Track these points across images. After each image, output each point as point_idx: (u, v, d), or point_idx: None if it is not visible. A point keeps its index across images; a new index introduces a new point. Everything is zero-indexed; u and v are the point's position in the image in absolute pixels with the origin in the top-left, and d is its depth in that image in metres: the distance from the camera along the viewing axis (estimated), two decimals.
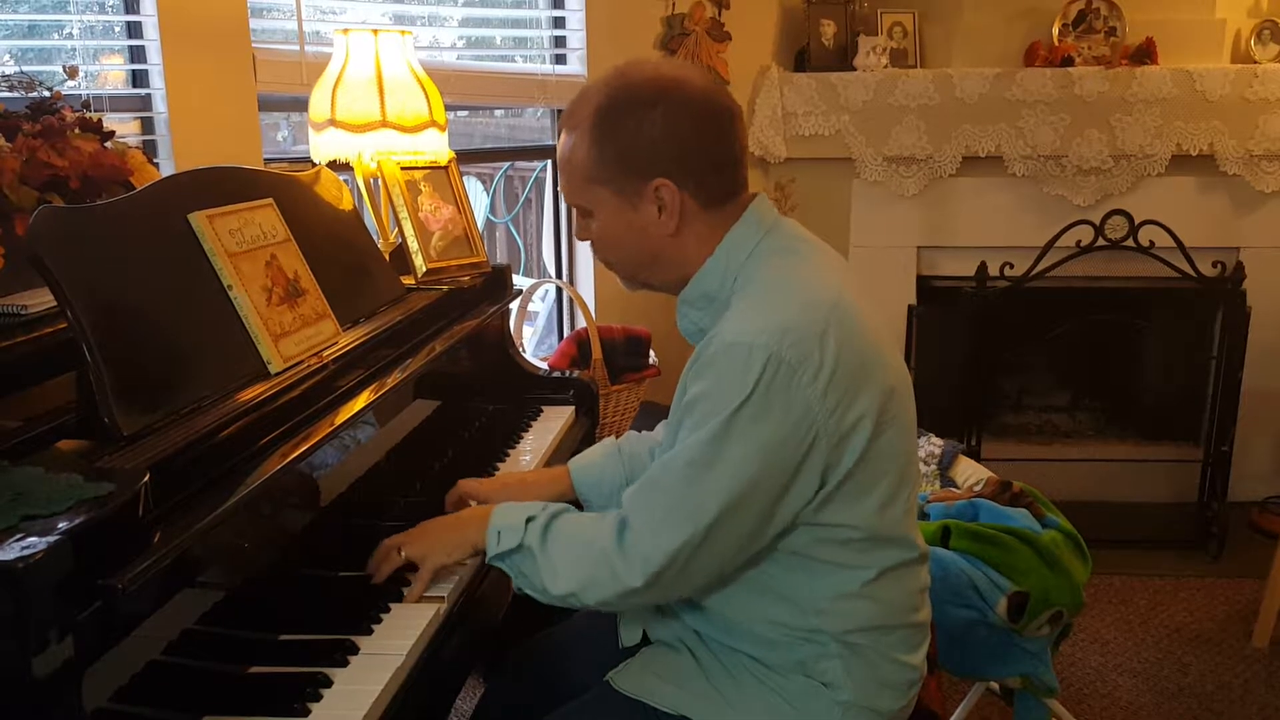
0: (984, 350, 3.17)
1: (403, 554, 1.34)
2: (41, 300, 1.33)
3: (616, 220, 1.29)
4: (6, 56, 2.12)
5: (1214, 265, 3.12)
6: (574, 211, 1.35)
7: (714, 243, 1.28)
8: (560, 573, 1.24)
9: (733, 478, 1.16)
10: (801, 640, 1.26)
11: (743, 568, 1.25)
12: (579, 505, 1.55)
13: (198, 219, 1.35)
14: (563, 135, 1.30)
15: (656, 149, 1.24)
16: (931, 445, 2.48)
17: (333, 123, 2.04)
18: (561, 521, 1.29)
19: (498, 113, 3.53)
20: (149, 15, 2.14)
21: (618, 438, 1.63)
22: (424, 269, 2.02)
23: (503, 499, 1.52)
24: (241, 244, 1.40)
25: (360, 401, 1.47)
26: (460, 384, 1.95)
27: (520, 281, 2.89)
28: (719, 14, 3.41)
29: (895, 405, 1.24)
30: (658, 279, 1.34)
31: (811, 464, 1.18)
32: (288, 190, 1.61)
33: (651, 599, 1.26)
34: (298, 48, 2.43)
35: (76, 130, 1.53)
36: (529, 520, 1.29)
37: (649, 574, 1.19)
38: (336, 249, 1.69)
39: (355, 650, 1.20)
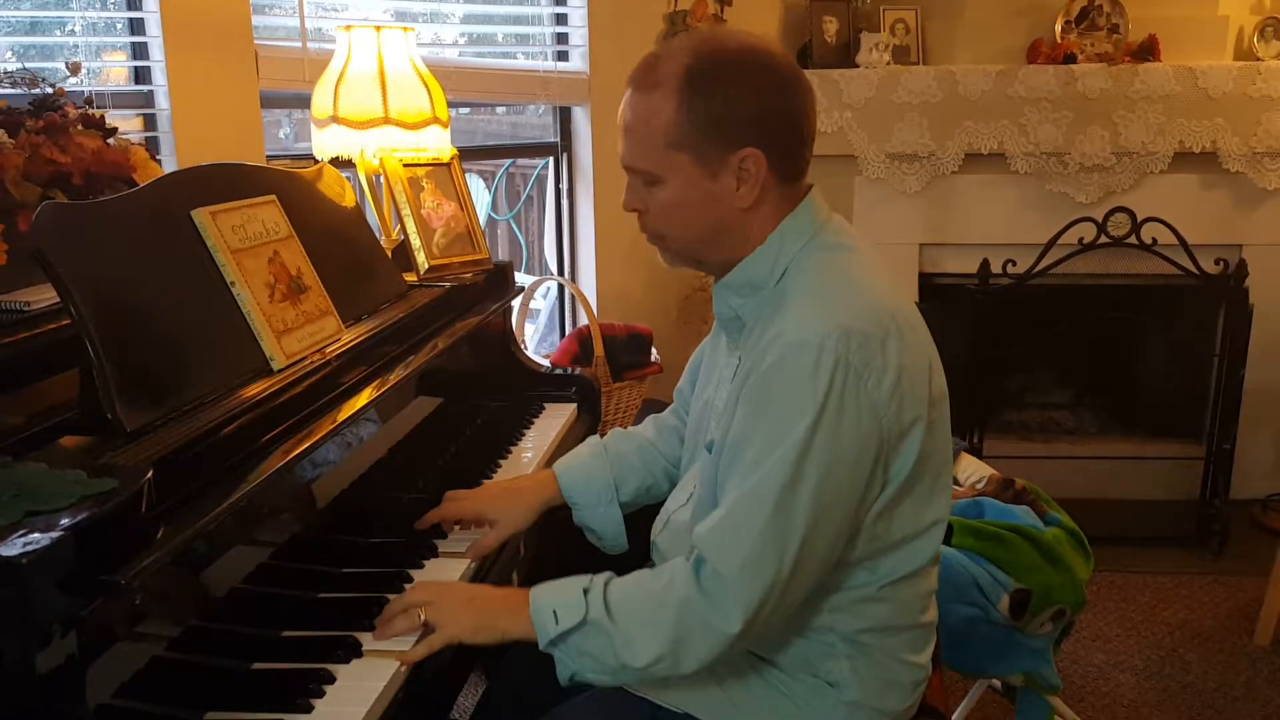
0: (986, 347, 3.16)
1: (422, 618, 1.23)
2: (44, 296, 1.33)
3: (691, 190, 1.21)
4: (9, 53, 2.12)
5: (1216, 263, 3.12)
6: (630, 178, 1.25)
7: (772, 225, 1.24)
8: (637, 640, 1.15)
9: (817, 495, 1.12)
10: (810, 639, 1.25)
11: None
12: (566, 507, 1.55)
13: (201, 215, 1.35)
14: (635, 96, 1.21)
15: (750, 117, 1.18)
16: None
17: (335, 119, 2.04)
18: (615, 586, 1.20)
19: (499, 110, 3.53)
20: (151, 12, 2.14)
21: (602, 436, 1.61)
22: (426, 266, 2.02)
23: (495, 509, 1.52)
24: (244, 240, 1.40)
25: (363, 398, 1.47)
26: (462, 381, 1.95)
27: (522, 279, 2.89)
28: (721, 11, 3.40)
29: (940, 411, 1.24)
30: (713, 256, 1.28)
31: (879, 467, 1.17)
32: (290, 187, 1.61)
33: (750, 641, 1.18)
34: (300, 44, 2.43)
35: (79, 127, 1.53)
36: (586, 591, 1.19)
37: (748, 614, 1.12)
38: (339, 246, 1.69)
39: (358, 647, 1.20)
